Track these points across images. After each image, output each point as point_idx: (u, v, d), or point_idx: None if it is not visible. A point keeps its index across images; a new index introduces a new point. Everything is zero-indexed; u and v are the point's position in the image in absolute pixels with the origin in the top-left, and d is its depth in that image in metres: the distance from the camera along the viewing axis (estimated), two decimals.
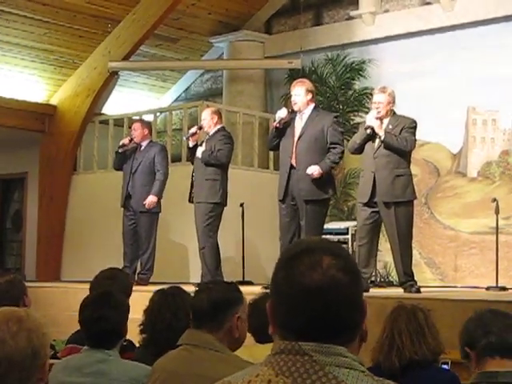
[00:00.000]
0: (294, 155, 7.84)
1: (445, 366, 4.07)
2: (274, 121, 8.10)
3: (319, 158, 7.78)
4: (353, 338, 1.65)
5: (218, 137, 9.00)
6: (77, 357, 3.66)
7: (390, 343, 3.80)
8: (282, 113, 7.95)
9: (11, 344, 2.21)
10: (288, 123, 7.95)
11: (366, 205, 7.65)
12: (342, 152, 7.92)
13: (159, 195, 9.61)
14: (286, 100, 8.85)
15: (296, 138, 7.87)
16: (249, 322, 3.62)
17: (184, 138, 9.86)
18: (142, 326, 4.07)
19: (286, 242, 7.91)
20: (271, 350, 1.65)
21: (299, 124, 7.92)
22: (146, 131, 9.93)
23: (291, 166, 7.85)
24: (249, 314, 3.72)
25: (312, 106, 7.96)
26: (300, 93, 7.89)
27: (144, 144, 9.86)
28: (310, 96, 7.90)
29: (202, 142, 9.12)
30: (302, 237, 7.77)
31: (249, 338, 4.03)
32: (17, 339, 2.21)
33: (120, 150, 9.93)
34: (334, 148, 7.82)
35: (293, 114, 7.95)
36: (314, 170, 7.68)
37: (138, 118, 12.02)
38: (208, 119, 9.12)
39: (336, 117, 8.21)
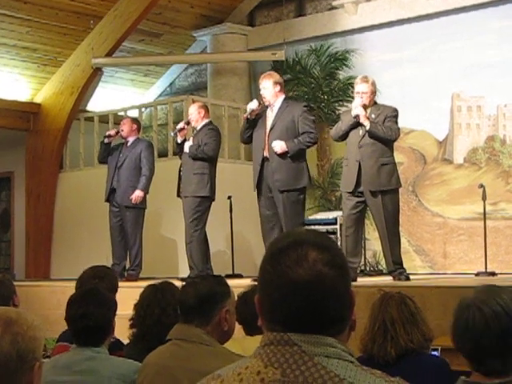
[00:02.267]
0: (266, 147, 7.90)
1: (435, 353, 4.08)
2: (245, 113, 8.16)
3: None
4: (342, 330, 1.66)
5: (205, 131, 9.01)
6: (65, 355, 3.65)
7: (383, 333, 3.80)
8: (253, 104, 8.03)
9: None
10: (259, 115, 8.03)
11: (352, 194, 7.67)
12: (314, 138, 7.94)
13: (146, 190, 9.61)
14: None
15: (268, 130, 7.93)
16: (238, 313, 3.64)
17: (172, 134, 9.86)
18: (131, 321, 4.07)
19: (266, 233, 8.02)
20: (260, 342, 1.65)
21: (270, 116, 7.99)
22: (135, 127, 9.94)
23: (264, 158, 7.91)
24: (238, 305, 3.73)
25: (282, 97, 8.01)
26: (268, 86, 7.95)
27: (131, 140, 9.86)
28: (278, 88, 7.95)
29: (190, 137, 9.14)
30: (283, 226, 7.84)
31: (239, 330, 4.04)
32: (1, 342, 2.19)
33: (106, 141, 9.93)
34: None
35: (264, 106, 8.02)
36: (278, 144, 7.73)
37: (123, 113, 12.00)
38: (195, 114, 9.13)
39: (306, 105, 8.24)
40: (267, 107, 8.01)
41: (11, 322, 2.25)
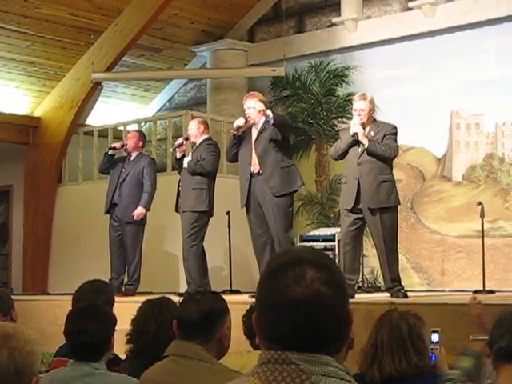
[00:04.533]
0: (253, 161, 8.06)
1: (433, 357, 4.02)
2: (232, 129, 8.26)
3: (277, 154, 8.02)
4: (339, 349, 1.65)
5: (204, 146, 9.05)
6: (63, 370, 3.63)
7: (373, 354, 3.76)
8: (240, 121, 8.18)
9: None
10: (245, 132, 8.18)
11: (350, 211, 7.69)
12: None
13: (147, 207, 9.61)
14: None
15: (253, 146, 8.08)
16: (246, 326, 3.64)
17: (171, 150, 9.88)
18: (128, 336, 4.05)
19: (258, 250, 8.17)
20: (258, 360, 1.65)
21: (255, 132, 8.16)
22: (141, 143, 9.93)
23: (251, 174, 8.05)
24: (247, 318, 3.76)
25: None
26: (252, 105, 8.11)
27: (134, 155, 9.86)
28: (262, 106, 8.09)
29: (190, 152, 9.18)
30: (273, 230, 7.97)
31: (245, 342, 4.05)
32: None
33: (110, 152, 9.92)
34: None
35: (250, 124, 8.19)
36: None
37: (122, 128, 12.02)
38: (194, 129, 9.16)
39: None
40: (252, 125, 8.16)
41: (8, 336, 2.25)
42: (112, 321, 3.77)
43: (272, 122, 7.88)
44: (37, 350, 2.30)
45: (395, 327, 3.77)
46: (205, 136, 9.18)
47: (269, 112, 7.92)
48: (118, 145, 9.97)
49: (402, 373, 3.68)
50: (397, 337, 3.74)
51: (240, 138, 8.20)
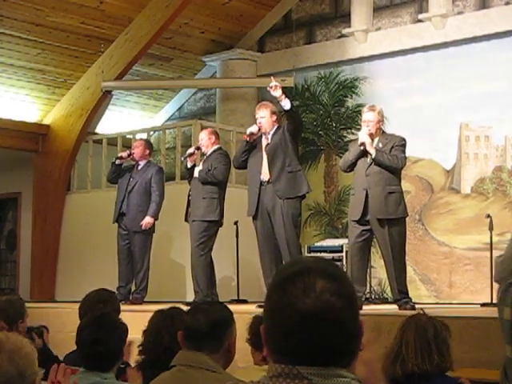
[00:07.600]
0: (263, 170, 8.09)
1: None
2: (246, 134, 8.30)
3: (285, 159, 8.04)
4: (350, 363, 1.62)
5: (215, 156, 9.08)
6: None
7: (396, 353, 3.85)
8: (253, 128, 8.23)
9: None
10: (256, 141, 8.23)
11: (358, 222, 7.67)
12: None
13: (155, 216, 9.61)
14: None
15: (264, 155, 8.11)
16: (251, 342, 3.65)
17: (182, 159, 9.89)
18: (141, 348, 4.02)
19: (265, 265, 8.16)
20: (267, 372, 1.62)
21: (265, 142, 8.19)
22: (147, 152, 9.94)
23: (261, 183, 8.08)
24: (250, 334, 3.77)
25: (276, 126, 8.23)
26: (265, 115, 8.17)
27: (142, 163, 9.86)
28: (274, 117, 8.20)
29: (200, 162, 9.20)
30: (282, 238, 7.95)
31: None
32: None
33: (117, 162, 9.93)
34: None
35: (261, 132, 8.23)
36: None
37: (131, 137, 12.04)
38: (205, 139, 9.18)
39: None
40: (262, 135, 8.21)
41: (2, 342, 2.25)
42: (124, 331, 3.78)
43: (288, 106, 7.84)
44: (32, 351, 2.30)
45: (421, 328, 3.87)
46: (216, 146, 9.20)
47: (287, 99, 7.88)
48: (124, 154, 9.98)
49: (423, 370, 3.75)
50: (422, 337, 3.84)
51: (251, 145, 8.23)
